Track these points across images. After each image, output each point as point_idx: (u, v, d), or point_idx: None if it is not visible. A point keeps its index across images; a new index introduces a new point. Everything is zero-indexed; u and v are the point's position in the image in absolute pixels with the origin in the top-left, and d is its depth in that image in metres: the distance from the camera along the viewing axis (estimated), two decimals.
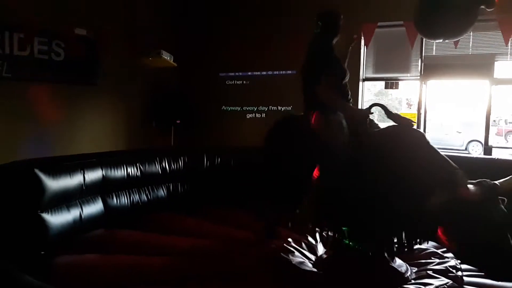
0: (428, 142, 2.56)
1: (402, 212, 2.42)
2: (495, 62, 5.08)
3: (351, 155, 2.60)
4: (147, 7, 5.63)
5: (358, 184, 2.53)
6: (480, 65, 5.09)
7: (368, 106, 2.84)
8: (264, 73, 5.97)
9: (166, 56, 5.40)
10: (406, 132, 2.59)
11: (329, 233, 2.93)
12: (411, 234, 2.57)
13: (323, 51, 2.92)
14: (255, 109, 6.04)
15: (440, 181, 2.32)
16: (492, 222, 2.18)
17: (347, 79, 3.08)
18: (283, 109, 5.84)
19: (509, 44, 4.78)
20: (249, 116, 6.05)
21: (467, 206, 2.22)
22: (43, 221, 2.88)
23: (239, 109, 6.13)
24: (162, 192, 4.09)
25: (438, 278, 2.55)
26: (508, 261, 2.18)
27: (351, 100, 3.03)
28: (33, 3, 4.19)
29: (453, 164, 2.45)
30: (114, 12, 5.05)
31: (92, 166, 3.40)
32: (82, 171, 3.26)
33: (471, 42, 5.08)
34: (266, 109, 5.98)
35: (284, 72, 5.84)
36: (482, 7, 2.59)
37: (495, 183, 2.26)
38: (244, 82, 6.10)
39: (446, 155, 2.53)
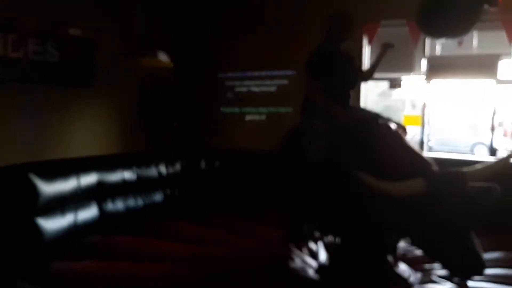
0: (395, 136, 2.56)
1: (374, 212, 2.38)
2: (500, 62, 5.02)
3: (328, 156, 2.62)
4: (143, 7, 5.59)
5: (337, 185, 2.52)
6: (485, 65, 5.04)
7: None
8: (263, 73, 5.92)
9: (163, 56, 5.37)
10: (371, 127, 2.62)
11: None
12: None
13: (325, 52, 2.90)
14: (255, 110, 5.99)
15: None
16: (447, 216, 2.11)
17: (353, 86, 3.05)
18: (283, 110, 5.80)
19: None
20: (248, 118, 6.01)
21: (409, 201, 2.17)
22: (38, 226, 2.83)
23: (238, 110, 6.09)
24: (159, 197, 4.02)
25: (442, 283, 2.52)
26: (468, 257, 2.12)
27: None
28: (27, 4, 4.14)
29: (424, 158, 2.42)
30: (109, 12, 5.01)
31: (87, 170, 3.34)
32: (77, 176, 3.21)
33: (475, 42, 5.03)
34: (266, 110, 5.93)
35: (284, 72, 5.79)
36: (485, 6, 2.56)
37: (462, 173, 2.20)
38: (243, 83, 6.05)
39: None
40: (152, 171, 3.97)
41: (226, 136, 5.93)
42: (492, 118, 5.13)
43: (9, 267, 2.36)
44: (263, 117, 5.91)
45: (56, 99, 4.51)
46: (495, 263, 2.76)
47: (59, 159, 3.55)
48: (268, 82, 5.90)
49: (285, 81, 5.78)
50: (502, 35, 4.68)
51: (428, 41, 5.16)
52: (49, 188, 2.93)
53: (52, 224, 2.94)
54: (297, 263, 2.80)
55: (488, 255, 2.88)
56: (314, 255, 3.03)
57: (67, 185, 3.11)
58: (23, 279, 2.03)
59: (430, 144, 5.75)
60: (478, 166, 2.29)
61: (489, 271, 2.63)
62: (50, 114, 4.44)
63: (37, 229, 2.83)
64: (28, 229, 2.82)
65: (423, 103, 5.41)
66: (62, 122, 4.59)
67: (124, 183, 3.66)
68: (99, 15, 4.85)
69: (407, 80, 5.49)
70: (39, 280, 2.40)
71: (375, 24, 5.13)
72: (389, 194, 2.18)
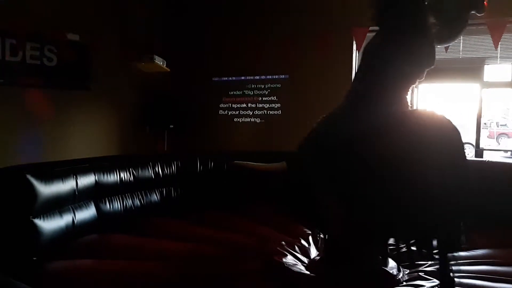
0: None
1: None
2: (485, 66, 5.14)
3: None
4: (139, 12, 5.65)
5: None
6: (470, 69, 5.15)
7: None
8: (257, 77, 6.00)
9: (159, 61, 5.43)
10: None
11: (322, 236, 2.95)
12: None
13: None
14: (251, 113, 6.06)
15: None
16: None
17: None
18: (278, 113, 5.87)
19: (499, 48, 4.84)
20: (243, 120, 6.07)
21: None
22: (35, 227, 2.84)
23: (233, 113, 6.15)
24: (155, 197, 4.07)
25: (430, 279, 2.56)
26: None
27: None
28: (25, 8, 4.17)
29: None
30: (106, 17, 5.06)
31: (84, 171, 3.36)
32: (74, 176, 3.22)
33: (461, 46, 5.14)
34: (260, 113, 6.00)
35: (277, 76, 5.87)
36: (473, 12, 2.61)
37: None
38: (238, 86, 6.13)
39: None
40: (148, 172, 4.02)
41: (221, 138, 5.99)
42: (478, 120, 5.25)
43: (6, 267, 2.34)
44: (258, 120, 5.98)
45: (54, 102, 4.53)
46: (482, 260, 2.83)
47: (56, 160, 3.55)
48: (261, 86, 5.99)
49: (279, 85, 5.87)
50: (488, 39, 4.81)
51: None
52: (47, 189, 2.93)
53: (50, 224, 2.94)
54: (289, 261, 2.83)
55: (475, 252, 2.99)
56: (306, 253, 3.09)
57: (64, 186, 3.11)
58: (20, 280, 2.01)
59: None
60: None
61: (476, 268, 2.73)
62: (48, 117, 4.47)
63: (35, 230, 2.83)
64: (25, 229, 2.82)
65: (410, 106, 5.49)
66: (60, 125, 4.61)
67: (121, 184, 3.69)
68: (96, 20, 4.90)
69: None
70: (36, 280, 2.39)
71: (364, 29, 5.21)
72: None
